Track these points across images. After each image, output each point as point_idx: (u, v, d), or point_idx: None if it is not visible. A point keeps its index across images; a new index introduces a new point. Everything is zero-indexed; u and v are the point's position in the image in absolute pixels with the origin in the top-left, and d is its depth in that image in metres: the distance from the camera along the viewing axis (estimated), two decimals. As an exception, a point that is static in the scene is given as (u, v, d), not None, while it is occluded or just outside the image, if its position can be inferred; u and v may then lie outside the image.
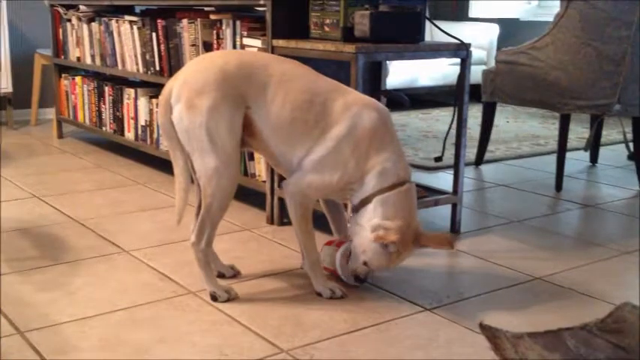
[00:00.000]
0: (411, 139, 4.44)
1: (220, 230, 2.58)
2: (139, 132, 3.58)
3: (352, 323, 1.86)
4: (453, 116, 2.54)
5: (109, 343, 1.73)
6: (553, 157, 3.70)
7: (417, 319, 1.90)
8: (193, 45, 3.05)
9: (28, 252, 2.37)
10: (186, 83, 1.92)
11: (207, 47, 2.97)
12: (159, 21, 3.28)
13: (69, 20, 4.15)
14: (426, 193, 2.60)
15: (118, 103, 3.75)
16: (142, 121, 3.54)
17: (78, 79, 4.15)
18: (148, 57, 3.42)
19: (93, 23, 3.90)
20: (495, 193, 3.24)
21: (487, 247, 2.48)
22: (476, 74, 5.44)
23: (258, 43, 2.65)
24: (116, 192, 3.15)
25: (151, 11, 3.55)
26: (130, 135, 3.67)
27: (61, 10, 4.22)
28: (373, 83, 2.84)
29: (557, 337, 1.24)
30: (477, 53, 5.98)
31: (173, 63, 3.23)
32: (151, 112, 3.47)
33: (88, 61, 4.00)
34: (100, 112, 3.95)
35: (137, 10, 3.90)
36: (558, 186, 3.30)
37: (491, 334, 1.30)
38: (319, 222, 2.30)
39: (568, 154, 3.79)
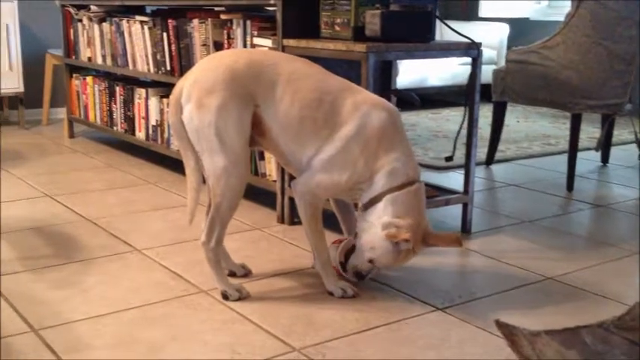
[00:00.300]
0: (421, 139, 4.44)
1: (231, 229, 2.59)
2: (150, 131, 3.59)
3: (364, 322, 1.86)
4: (464, 116, 2.54)
5: (122, 341, 1.74)
6: (564, 157, 3.69)
7: (428, 318, 1.90)
8: (204, 45, 3.06)
9: (42, 250, 2.38)
10: (196, 83, 1.93)
11: (218, 47, 2.98)
12: (170, 21, 3.29)
13: (80, 20, 4.17)
14: (437, 193, 2.60)
15: (128, 102, 3.77)
16: (152, 121, 3.56)
17: (89, 79, 4.17)
18: (158, 57, 3.44)
19: (104, 23, 3.92)
20: (506, 193, 3.23)
21: (498, 247, 2.48)
22: (486, 74, 5.43)
23: (268, 42, 2.65)
24: (127, 191, 3.16)
25: (162, 11, 3.57)
26: (140, 134, 3.68)
27: (72, 10, 4.24)
28: (384, 82, 2.84)
29: (575, 334, 1.24)
30: (487, 53, 5.97)
31: (184, 63, 3.24)
32: (161, 111, 3.49)
33: (99, 61, 4.02)
34: (111, 112, 3.97)
35: (148, 10, 3.91)
36: (569, 186, 3.29)
37: (508, 331, 1.30)
38: (329, 221, 2.30)
39: (579, 154, 3.77)
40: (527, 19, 6.16)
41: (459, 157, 3.52)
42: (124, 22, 3.69)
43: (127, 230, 2.60)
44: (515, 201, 3.09)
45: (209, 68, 1.94)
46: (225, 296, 1.98)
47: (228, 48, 2.91)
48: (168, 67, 3.37)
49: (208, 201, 2.06)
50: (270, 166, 2.77)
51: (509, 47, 6.01)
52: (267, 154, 2.77)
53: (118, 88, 3.87)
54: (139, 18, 3.57)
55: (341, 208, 2.19)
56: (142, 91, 3.62)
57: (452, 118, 5.37)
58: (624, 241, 2.57)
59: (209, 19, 3.01)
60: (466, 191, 2.60)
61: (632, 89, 3.17)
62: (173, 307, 1.94)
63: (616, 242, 2.55)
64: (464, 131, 2.60)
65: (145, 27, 3.50)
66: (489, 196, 3.18)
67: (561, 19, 3.39)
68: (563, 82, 3.25)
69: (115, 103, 3.91)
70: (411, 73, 5.65)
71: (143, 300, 1.99)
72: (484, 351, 1.71)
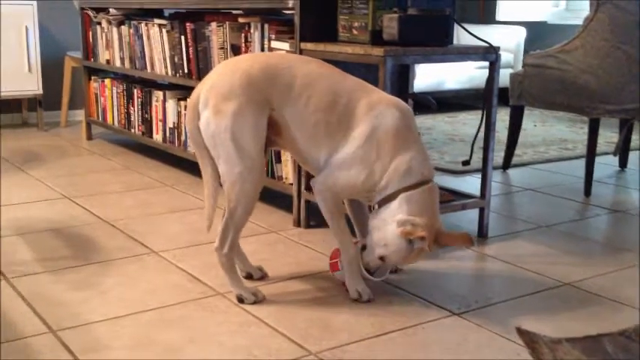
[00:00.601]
0: (438, 143, 4.43)
1: (247, 232, 2.60)
2: (167, 134, 3.61)
3: (379, 327, 1.87)
4: (482, 119, 2.53)
5: (139, 343, 1.75)
6: (581, 162, 3.67)
7: (444, 323, 1.90)
8: (222, 48, 3.08)
9: (60, 252, 2.40)
10: (213, 89, 1.94)
11: (236, 50, 3.00)
12: (188, 24, 3.31)
13: (99, 23, 4.20)
14: (453, 197, 2.60)
15: (146, 105, 3.79)
16: (170, 123, 3.58)
17: (107, 81, 4.21)
18: (176, 60, 3.46)
19: (122, 26, 3.95)
20: (523, 198, 3.22)
21: (515, 252, 2.47)
22: (503, 77, 5.41)
23: (286, 46, 2.66)
24: (145, 193, 3.18)
25: (180, 15, 3.59)
26: (158, 137, 3.71)
27: (91, 13, 4.27)
28: (401, 86, 2.84)
29: (596, 342, 1.23)
30: (504, 56, 5.94)
31: (201, 66, 3.26)
32: (179, 114, 3.51)
33: (118, 63, 4.05)
34: (128, 114, 4.00)
35: (166, 13, 3.94)
36: (587, 191, 3.27)
37: (529, 338, 1.29)
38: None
39: (597, 159, 3.75)
40: (545, 22, 6.13)
41: (476, 161, 3.51)
42: (143, 25, 3.72)
43: (144, 232, 2.62)
44: (532, 206, 3.08)
45: (225, 73, 1.95)
46: (241, 299, 1.99)
47: (246, 51, 2.92)
48: (186, 70, 3.39)
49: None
50: (286, 169, 2.77)
51: (526, 51, 5.99)
52: (283, 157, 2.78)
53: (135, 91, 3.89)
54: (157, 21, 3.59)
55: (355, 209, 2.19)
56: (160, 93, 3.65)
57: (468, 121, 5.36)
58: (642, 246, 2.55)
59: (227, 23, 3.03)
60: (483, 195, 2.60)
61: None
62: (190, 310, 1.95)
63: (634, 248, 2.53)
64: (481, 135, 2.59)
65: (163, 30, 3.53)
66: (506, 201, 3.17)
67: (579, 22, 3.37)
68: (581, 86, 3.23)
69: (133, 106, 3.94)
70: (428, 76, 5.64)
71: (160, 302, 2.00)
72: (501, 357, 1.71)
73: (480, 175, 2.64)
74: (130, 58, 3.92)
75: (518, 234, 2.68)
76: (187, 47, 3.35)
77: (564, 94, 3.31)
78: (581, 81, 3.24)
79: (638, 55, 3.12)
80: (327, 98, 1.94)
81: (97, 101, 4.36)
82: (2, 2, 4.49)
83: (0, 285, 2.10)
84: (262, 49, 2.81)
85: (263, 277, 2.19)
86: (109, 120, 4.22)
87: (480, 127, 2.57)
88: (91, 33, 4.35)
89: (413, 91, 2.92)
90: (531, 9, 6.20)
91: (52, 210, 2.90)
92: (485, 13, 6.59)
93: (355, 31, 2.46)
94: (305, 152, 1.99)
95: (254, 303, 1.99)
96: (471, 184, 3.40)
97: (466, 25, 6.36)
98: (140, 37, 3.76)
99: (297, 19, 2.57)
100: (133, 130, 3.96)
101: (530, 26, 6.20)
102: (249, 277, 2.17)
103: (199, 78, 3.23)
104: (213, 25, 3.11)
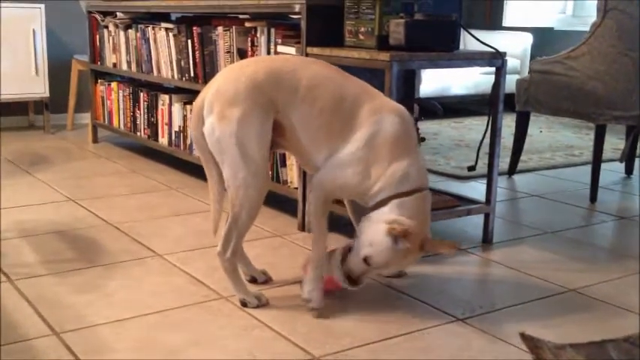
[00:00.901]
0: (443, 148, 4.43)
1: (252, 236, 2.60)
2: (173, 137, 3.62)
3: (383, 331, 1.86)
4: (487, 125, 2.53)
5: (143, 345, 1.75)
6: (587, 168, 3.66)
7: (448, 329, 1.89)
8: (228, 52, 3.09)
9: (65, 254, 2.41)
10: (217, 94, 1.94)
11: (242, 54, 3.00)
12: (194, 28, 3.32)
13: (106, 27, 4.21)
14: (459, 203, 2.59)
15: (152, 108, 3.80)
16: (175, 127, 3.58)
17: (114, 84, 4.22)
18: (183, 64, 3.46)
19: (129, 30, 3.96)
20: (528, 204, 3.21)
21: (520, 258, 2.46)
22: (509, 83, 5.39)
23: (292, 50, 2.66)
24: (150, 196, 3.18)
25: (187, 18, 3.60)
26: (163, 140, 3.71)
27: (98, 16, 4.29)
28: (407, 91, 2.84)
29: (600, 348, 1.22)
30: (510, 62, 5.94)
31: (208, 70, 3.26)
32: (184, 118, 3.51)
33: (124, 67, 4.06)
34: (134, 118, 4.01)
35: (173, 17, 3.95)
36: (593, 197, 3.26)
37: (532, 344, 1.29)
38: (338, 223, 2.30)
39: (603, 165, 3.74)
40: (552, 28, 6.12)
41: (482, 166, 3.51)
42: (150, 29, 3.73)
43: (148, 235, 2.62)
44: (537, 212, 3.07)
45: (230, 78, 1.95)
46: (244, 303, 1.99)
47: (252, 55, 2.92)
48: (192, 74, 3.40)
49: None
50: (291, 173, 2.77)
51: (533, 57, 5.98)
52: (288, 162, 2.78)
53: (142, 94, 3.90)
54: (164, 25, 3.60)
55: (356, 211, 2.18)
56: (166, 97, 3.65)
57: (474, 127, 5.35)
58: (648, 254, 2.54)
59: (233, 27, 3.03)
60: (488, 201, 2.59)
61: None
62: (193, 313, 1.95)
63: (638, 255, 2.52)
64: (486, 141, 2.58)
65: (170, 34, 3.54)
66: (511, 207, 3.16)
67: (586, 29, 3.37)
68: (587, 92, 3.23)
69: (139, 109, 3.94)
70: (434, 81, 5.64)
71: (164, 305, 2.00)
72: (505, 362, 1.70)
73: (485, 181, 2.63)
74: (136, 62, 3.93)
75: (523, 240, 2.67)
76: (194, 51, 3.35)
77: (571, 101, 3.31)
78: (587, 87, 3.23)
79: (644, 61, 3.11)
80: (332, 101, 1.94)
81: (103, 104, 4.37)
82: (10, 5, 4.51)
83: (0, 286, 2.11)
84: (268, 54, 2.81)
85: (267, 281, 2.19)
86: (115, 123, 4.23)
87: (485, 133, 2.56)
88: (98, 36, 4.36)
89: (419, 97, 2.92)
90: (538, 15, 6.19)
91: (58, 212, 2.90)
92: (492, 19, 6.59)
93: (362, 36, 2.47)
94: (307, 154, 1.99)
95: (257, 307, 1.99)
96: (476, 189, 3.40)
97: (472, 31, 6.35)
98: (147, 40, 3.77)
99: (303, 24, 2.57)
100: (138, 134, 3.97)
101: (536, 32, 6.20)
102: (253, 280, 2.17)
103: (205, 82, 3.23)
104: (220, 29, 3.12)
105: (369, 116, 1.93)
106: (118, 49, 4.11)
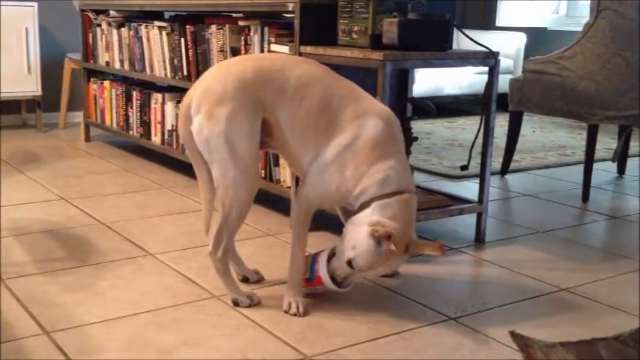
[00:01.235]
0: (437, 148, 4.43)
1: (244, 235, 2.59)
2: (166, 136, 3.61)
3: (375, 331, 1.86)
4: (480, 125, 2.53)
5: (134, 345, 1.74)
6: (580, 168, 3.67)
7: (440, 328, 1.89)
8: (221, 51, 3.08)
9: (56, 253, 2.40)
10: (205, 93, 1.92)
11: (235, 53, 3.00)
12: (188, 27, 3.31)
13: (99, 25, 4.20)
14: (451, 202, 2.59)
15: (145, 107, 3.79)
16: (168, 126, 3.58)
17: (106, 83, 4.20)
18: (176, 62, 3.46)
19: (122, 28, 3.95)
20: (521, 203, 3.21)
21: (512, 257, 2.46)
22: (503, 83, 5.42)
23: (285, 49, 2.66)
24: (142, 195, 3.17)
25: (180, 17, 3.59)
26: (156, 139, 3.70)
27: (91, 15, 4.27)
28: (400, 91, 2.84)
29: (591, 347, 1.22)
30: (503, 62, 5.96)
31: (201, 68, 3.25)
32: (177, 116, 3.50)
33: (117, 65, 4.05)
34: (127, 116, 4.00)
35: (166, 16, 3.94)
36: (585, 197, 3.26)
37: (522, 342, 1.29)
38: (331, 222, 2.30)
39: (595, 165, 3.75)
40: (545, 28, 6.14)
41: (474, 166, 3.51)
42: (143, 28, 3.72)
43: (140, 234, 2.61)
44: (529, 211, 3.08)
45: (217, 77, 1.94)
46: (236, 303, 1.98)
47: (245, 54, 2.92)
48: (185, 73, 3.39)
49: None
50: (284, 173, 2.77)
51: (526, 57, 6.00)
52: (281, 161, 2.77)
53: (134, 93, 3.89)
54: (157, 23, 3.59)
55: (348, 216, 2.18)
56: (159, 96, 3.64)
57: (467, 127, 5.36)
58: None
59: (227, 26, 3.03)
60: (481, 201, 2.59)
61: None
62: (185, 312, 1.94)
63: (631, 254, 2.53)
64: (479, 140, 2.59)
65: (163, 32, 3.53)
66: (504, 206, 3.17)
67: (579, 29, 3.38)
68: (580, 92, 3.23)
69: (132, 108, 3.93)
70: (428, 81, 5.64)
71: (156, 304, 1.99)
72: (496, 362, 1.70)
73: (478, 181, 2.64)
74: (129, 60, 3.92)
75: (515, 239, 2.67)
76: (187, 50, 3.35)
77: (564, 100, 3.31)
78: (580, 87, 3.24)
79: (637, 61, 3.12)
80: (319, 102, 1.93)
81: (95, 103, 4.35)
82: (3, 4, 4.49)
83: (-5, 285, 2.10)
84: (262, 52, 2.81)
85: (259, 280, 2.18)
86: (108, 122, 4.22)
87: (478, 133, 2.56)
88: (90, 35, 4.35)
89: (412, 96, 2.92)
90: (531, 15, 6.21)
91: (49, 211, 2.89)
92: (485, 19, 6.60)
93: (355, 35, 2.46)
94: (295, 154, 1.97)
95: (249, 306, 1.98)
96: (469, 189, 3.40)
97: (466, 31, 6.35)
98: (140, 39, 3.76)
99: (297, 23, 2.57)
100: (131, 132, 3.96)
101: (530, 32, 6.21)
102: (245, 280, 2.16)
103: (198, 80, 3.22)
104: (213, 27, 3.11)
105: (352, 119, 1.92)
106: (111, 47, 4.10)
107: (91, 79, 4.39)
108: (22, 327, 1.83)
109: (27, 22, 4.57)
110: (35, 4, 4.58)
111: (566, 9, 6.11)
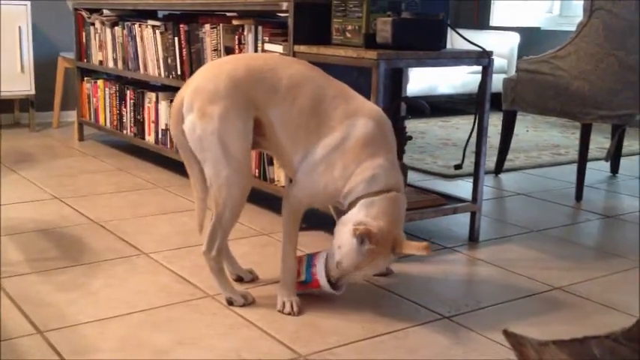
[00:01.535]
0: (430, 147, 4.43)
1: (238, 234, 2.59)
2: (160, 135, 3.60)
3: (370, 330, 1.86)
4: (474, 124, 2.53)
5: (128, 344, 1.74)
6: (573, 167, 3.68)
7: (434, 327, 1.89)
8: (215, 50, 3.07)
9: (49, 252, 2.39)
10: (196, 92, 1.92)
11: (229, 52, 2.99)
12: (181, 26, 3.31)
13: (92, 24, 4.19)
14: (445, 201, 2.60)
15: (139, 106, 3.78)
16: (162, 125, 3.57)
17: (100, 82, 4.19)
18: (169, 61, 3.45)
19: (116, 27, 3.94)
20: (515, 202, 3.22)
21: (506, 256, 2.47)
22: (496, 83, 5.43)
23: (279, 48, 2.66)
24: (136, 195, 3.17)
25: (174, 16, 3.58)
26: (150, 138, 3.70)
27: (84, 14, 4.26)
28: (394, 90, 2.84)
29: (583, 345, 1.23)
30: (497, 61, 5.96)
31: (195, 68, 3.25)
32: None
33: (111, 64, 4.04)
34: (121, 116, 3.99)
35: (160, 15, 3.93)
36: (578, 196, 3.27)
37: (515, 341, 1.29)
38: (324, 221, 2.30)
39: (588, 164, 3.76)
40: (539, 28, 6.15)
41: (468, 165, 3.52)
42: (136, 27, 3.71)
43: (134, 233, 2.61)
44: (523, 210, 3.08)
45: (209, 76, 1.93)
46: (230, 302, 1.98)
47: (239, 53, 2.91)
48: (179, 72, 3.38)
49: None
50: (278, 172, 2.77)
51: (519, 56, 6.01)
52: (275, 160, 2.77)
53: (128, 92, 3.88)
54: (151, 22, 3.59)
55: (340, 215, 2.18)
56: (153, 95, 3.64)
57: (461, 126, 5.36)
58: (632, 252, 2.55)
59: (220, 25, 3.02)
60: (474, 200, 2.60)
61: (643, 100, 3.16)
62: (179, 311, 1.94)
63: (624, 253, 2.54)
64: (473, 140, 2.59)
65: (157, 31, 3.52)
66: (498, 205, 3.17)
67: (573, 29, 3.39)
68: (574, 92, 3.24)
69: (125, 107, 3.92)
70: (421, 80, 5.65)
71: (149, 303, 1.99)
72: (490, 361, 1.71)
73: (471, 180, 2.64)
74: (123, 59, 3.91)
75: (509, 238, 2.68)
76: (181, 49, 3.34)
77: (557, 100, 3.32)
78: (573, 87, 3.25)
79: (631, 61, 3.13)
80: (310, 102, 1.93)
81: (89, 102, 4.34)
82: (-5, 2, 4.48)
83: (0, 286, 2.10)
84: (256, 52, 2.81)
85: (253, 279, 2.18)
86: (101, 121, 4.21)
87: (472, 132, 2.57)
88: (84, 34, 4.33)
89: (406, 96, 2.92)
90: (525, 15, 6.22)
91: (42, 211, 2.88)
92: (479, 19, 6.61)
93: (349, 34, 2.46)
94: (286, 154, 1.96)
95: (243, 305, 1.98)
96: (462, 188, 3.41)
97: (460, 30, 6.35)
98: (133, 38, 3.75)
99: (290, 22, 2.57)
100: (125, 132, 3.95)
101: (523, 32, 6.22)
102: (239, 279, 2.16)
103: (192, 80, 3.22)
104: (207, 27, 3.11)
105: (341, 120, 1.92)
106: (105, 46, 4.08)
107: (85, 78, 4.38)
108: (16, 326, 1.82)
109: (20, 21, 4.55)
110: (28, 2, 4.56)
111: (560, 9, 6.12)
